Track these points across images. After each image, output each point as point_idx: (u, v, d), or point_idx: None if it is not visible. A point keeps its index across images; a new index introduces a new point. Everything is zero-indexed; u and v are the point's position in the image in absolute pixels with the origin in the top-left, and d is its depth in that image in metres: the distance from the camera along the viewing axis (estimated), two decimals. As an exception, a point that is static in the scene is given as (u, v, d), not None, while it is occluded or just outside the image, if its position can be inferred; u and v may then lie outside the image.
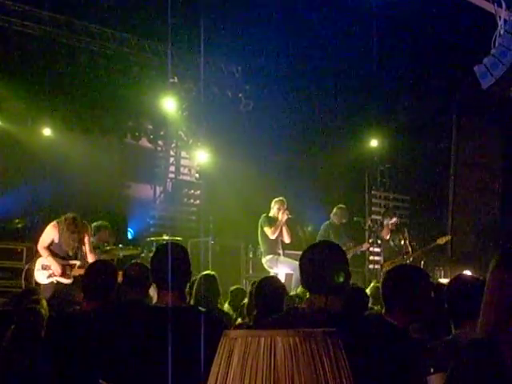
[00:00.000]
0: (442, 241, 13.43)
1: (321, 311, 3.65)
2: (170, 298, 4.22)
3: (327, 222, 13.35)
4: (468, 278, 4.68)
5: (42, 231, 9.82)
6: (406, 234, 13.45)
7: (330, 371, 2.07)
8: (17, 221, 11.07)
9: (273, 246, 12.30)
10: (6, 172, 13.37)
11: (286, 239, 12.43)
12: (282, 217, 12.28)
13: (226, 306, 8.23)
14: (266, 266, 12.27)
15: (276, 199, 12.49)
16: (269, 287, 6.05)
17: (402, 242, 13.29)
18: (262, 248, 12.52)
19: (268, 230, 12.21)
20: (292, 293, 9.55)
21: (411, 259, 13.19)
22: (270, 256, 12.24)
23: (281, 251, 12.39)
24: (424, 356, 3.91)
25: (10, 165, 13.44)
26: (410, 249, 13.21)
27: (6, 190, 12.53)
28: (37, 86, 13.26)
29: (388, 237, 13.39)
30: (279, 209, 12.35)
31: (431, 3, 12.63)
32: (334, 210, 13.38)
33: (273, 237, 12.24)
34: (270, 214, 12.42)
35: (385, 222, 13.59)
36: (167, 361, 3.87)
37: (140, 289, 5.59)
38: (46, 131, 14.02)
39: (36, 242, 9.95)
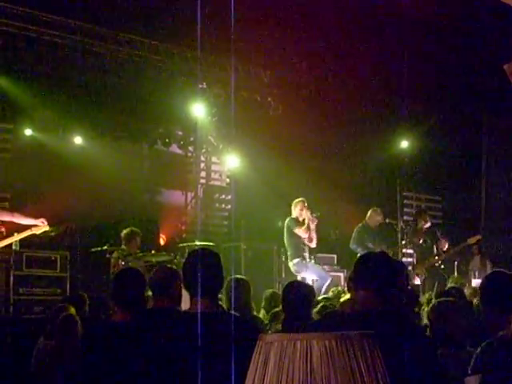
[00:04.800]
0: (472, 240, 13.35)
1: (367, 309, 3.65)
2: (201, 303, 4.18)
3: (361, 224, 13.28)
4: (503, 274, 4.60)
5: (75, 239, 9.82)
6: (438, 235, 13.35)
7: (366, 374, 2.05)
8: (50, 229, 11.11)
9: (299, 249, 12.26)
10: (38, 181, 13.47)
11: (312, 244, 12.37)
12: (307, 214, 12.22)
13: (262, 311, 8.19)
14: (292, 270, 12.22)
15: (295, 200, 12.45)
16: (295, 292, 6.00)
17: (434, 243, 13.22)
18: (288, 252, 12.46)
19: (299, 231, 12.17)
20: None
21: (444, 260, 13.13)
22: (297, 260, 12.18)
23: (307, 254, 12.34)
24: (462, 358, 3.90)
25: (42, 173, 13.54)
26: (441, 250, 13.14)
27: (38, 199, 12.61)
28: (67, 94, 13.35)
29: (421, 241, 13.30)
30: (302, 209, 12.31)
31: (459, 3, 12.57)
32: (369, 213, 13.30)
33: (306, 235, 12.19)
34: (293, 216, 12.38)
35: (419, 226, 13.44)
36: (197, 367, 3.85)
37: (163, 295, 5.19)
38: (77, 139, 14.09)
39: (70, 250, 9.94)
